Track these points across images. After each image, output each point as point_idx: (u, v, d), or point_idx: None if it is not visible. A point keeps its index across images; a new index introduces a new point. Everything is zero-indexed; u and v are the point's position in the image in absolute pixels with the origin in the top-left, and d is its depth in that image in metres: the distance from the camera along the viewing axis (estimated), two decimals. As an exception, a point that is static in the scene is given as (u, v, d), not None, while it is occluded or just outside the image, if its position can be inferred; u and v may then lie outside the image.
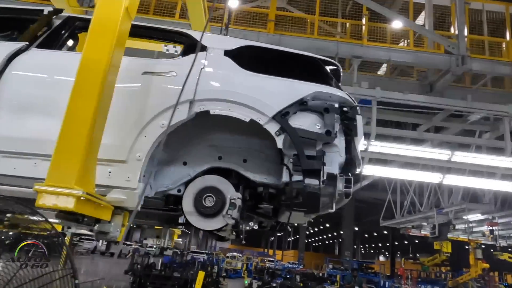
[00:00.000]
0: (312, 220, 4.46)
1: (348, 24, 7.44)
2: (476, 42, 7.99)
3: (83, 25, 3.39)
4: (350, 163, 3.13)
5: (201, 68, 3.02)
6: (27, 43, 3.04)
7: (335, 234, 55.73)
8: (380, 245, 59.58)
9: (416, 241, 42.96)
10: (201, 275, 8.69)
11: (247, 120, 2.82)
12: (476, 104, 7.23)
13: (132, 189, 2.67)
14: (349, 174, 3.13)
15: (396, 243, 43.29)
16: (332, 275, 24.17)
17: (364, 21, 7.06)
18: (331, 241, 66.44)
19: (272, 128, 2.81)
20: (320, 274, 26.27)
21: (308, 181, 2.79)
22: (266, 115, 2.82)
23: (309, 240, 71.04)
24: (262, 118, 2.83)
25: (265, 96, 2.92)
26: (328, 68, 3.62)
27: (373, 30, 7.11)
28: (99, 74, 2.28)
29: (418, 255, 35.56)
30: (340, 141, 3.01)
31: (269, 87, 3.03)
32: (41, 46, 3.10)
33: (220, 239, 4.60)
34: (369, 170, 7.73)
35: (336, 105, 3.08)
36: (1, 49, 2.90)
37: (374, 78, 8.04)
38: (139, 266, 13.17)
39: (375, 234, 48.15)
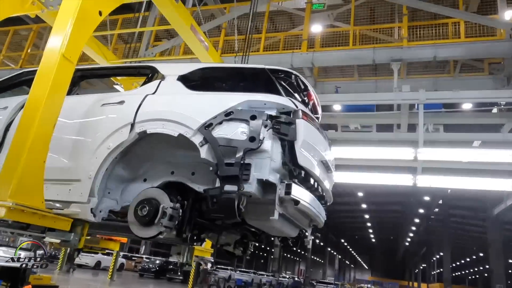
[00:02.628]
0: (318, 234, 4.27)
1: (399, 28, 6.96)
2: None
3: (83, 74, 4.18)
4: (294, 168, 3.07)
5: (146, 95, 3.42)
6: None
7: (483, 265, 47.98)
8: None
9: None
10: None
11: (176, 134, 3.07)
12: None
13: (84, 203, 3.13)
14: (295, 180, 3.09)
15: None
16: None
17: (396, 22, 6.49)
18: (479, 273, 57.39)
19: (197, 139, 3.00)
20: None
21: (228, 187, 2.86)
22: (191, 128, 3.03)
23: (459, 273, 62.64)
24: (188, 132, 3.04)
25: (193, 111, 3.15)
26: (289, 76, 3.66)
27: (417, 29, 6.51)
28: (37, 111, 2.87)
29: None
30: (272, 147, 2.99)
31: (199, 103, 3.25)
32: None
33: (231, 255, 4.78)
34: (422, 181, 6.78)
35: (268, 112, 3.11)
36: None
37: (433, 80, 7.24)
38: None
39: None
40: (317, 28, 7.38)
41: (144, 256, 33.08)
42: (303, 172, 3.09)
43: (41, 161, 2.93)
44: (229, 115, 3.04)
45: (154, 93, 3.51)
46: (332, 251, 59.28)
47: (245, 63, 5.74)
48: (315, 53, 6.80)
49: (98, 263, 24.65)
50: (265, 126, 3.00)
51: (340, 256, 63.65)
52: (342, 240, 58.41)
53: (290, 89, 3.70)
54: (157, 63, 3.84)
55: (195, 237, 3.42)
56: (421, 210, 34.04)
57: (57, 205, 3.19)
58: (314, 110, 4.16)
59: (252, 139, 2.90)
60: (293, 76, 3.69)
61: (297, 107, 3.21)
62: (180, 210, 3.09)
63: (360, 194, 31.70)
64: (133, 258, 31.71)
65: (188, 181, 3.31)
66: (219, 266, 35.47)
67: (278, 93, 3.34)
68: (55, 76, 2.96)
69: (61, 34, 3.08)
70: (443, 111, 7.32)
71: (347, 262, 73.28)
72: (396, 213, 39.94)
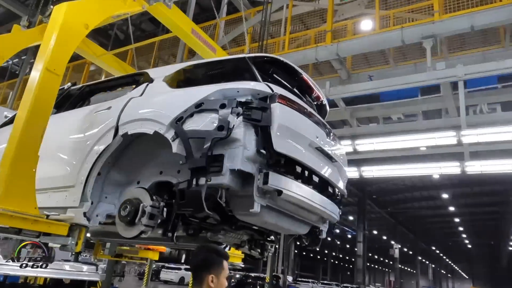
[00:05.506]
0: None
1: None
2: None
3: (90, 89, 4.43)
4: (270, 155, 2.89)
5: (130, 98, 3.49)
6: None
7: None
8: None
9: None
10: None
11: (151, 132, 3.09)
12: None
13: (76, 207, 3.26)
14: (279, 168, 2.91)
15: None
16: None
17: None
18: None
19: (169, 135, 2.98)
20: None
21: (200, 181, 2.78)
22: (164, 124, 3.01)
23: None
24: (162, 128, 3.04)
25: (166, 108, 3.15)
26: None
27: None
28: (22, 122, 3.08)
29: None
30: (245, 134, 2.85)
31: (174, 99, 3.22)
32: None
33: (251, 257, 4.64)
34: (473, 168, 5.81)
35: (242, 99, 2.98)
36: None
37: (481, 54, 6.36)
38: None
39: None
40: (341, 17, 7.04)
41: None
42: (282, 159, 2.88)
43: (31, 169, 3.11)
44: (199, 107, 2.97)
45: (140, 95, 3.58)
46: (424, 260, 55.21)
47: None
48: (340, 43, 6.43)
49: (182, 279, 25.73)
50: (237, 114, 2.86)
51: (433, 265, 58.93)
52: (433, 248, 54.15)
53: (277, 77, 3.53)
54: (150, 69, 3.92)
55: (186, 236, 3.37)
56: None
57: (53, 212, 3.36)
58: (309, 95, 3.92)
59: (220, 128, 2.79)
60: (279, 62, 3.53)
61: (272, 91, 3.03)
62: (165, 209, 3.03)
63: (445, 195, 29.22)
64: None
65: (174, 179, 3.27)
66: (300, 279, 34.98)
67: (255, 79, 3.19)
68: (39, 88, 3.16)
69: (46, 48, 3.30)
70: (500, 86, 6.41)
71: (442, 271, 67.67)
72: (493, 214, 35.99)
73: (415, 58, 7.11)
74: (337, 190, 3.66)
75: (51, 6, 4.84)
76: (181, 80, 3.60)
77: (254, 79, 3.20)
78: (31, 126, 3.11)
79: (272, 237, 4.21)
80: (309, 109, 3.40)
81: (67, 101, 4.37)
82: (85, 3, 3.58)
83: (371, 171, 8.16)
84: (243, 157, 2.77)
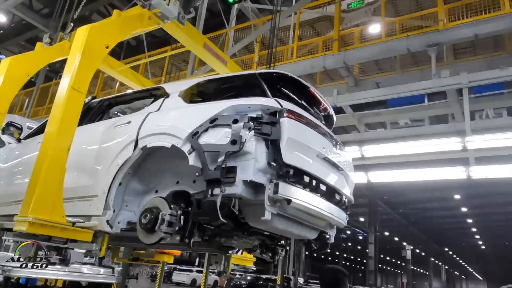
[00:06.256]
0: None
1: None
2: None
3: (110, 102, 4.69)
4: (280, 167, 3.09)
5: (149, 113, 3.73)
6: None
7: None
8: None
9: None
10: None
11: (169, 146, 3.31)
12: None
13: (100, 215, 3.50)
14: (288, 179, 3.10)
15: None
16: None
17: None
18: None
19: (186, 148, 3.20)
20: None
21: (210, 191, 2.98)
22: (181, 138, 3.23)
23: None
24: (179, 142, 3.26)
25: (183, 122, 3.37)
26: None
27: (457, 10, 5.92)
28: (52, 137, 3.34)
29: None
30: (256, 147, 3.05)
31: (190, 114, 3.45)
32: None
33: (262, 261, 4.85)
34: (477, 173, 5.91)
35: (253, 114, 3.18)
36: None
37: (487, 60, 6.46)
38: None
39: None
40: (348, 24, 7.21)
41: (237, 273, 33.98)
42: (291, 170, 3.07)
43: (59, 181, 3.37)
44: (213, 122, 3.18)
45: (158, 110, 3.82)
46: (437, 262, 54.66)
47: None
48: (347, 52, 6.62)
49: (194, 281, 25.95)
50: (249, 129, 3.06)
51: (446, 267, 58.28)
52: (446, 249, 53.58)
53: (285, 91, 3.73)
54: (166, 84, 4.17)
55: (201, 242, 3.58)
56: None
57: (80, 220, 3.61)
58: (316, 107, 4.11)
59: (233, 142, 2.99)
60: (287, 77, 3.72)
61: (281, 106, 3.22)
62: (182, 217, 3.24)
63: (458, 196, 28.97)
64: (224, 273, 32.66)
65: (190, 189, 3.48)
66: (311, 281, 35.01)
67: (265, 95, 3.40)
68: (66, 105, 3.42)
69: (71, 68, 3.57)
70: (506, 92, 6.51)
71: (456, 272, 66.84)
72: (507, 214, 35.50)
73: (423, 64, 7.24)
74: (344, 197, 3.83)
75: (71, 24, 5.14)
76: (196, 95, 3.83)
77: (264, 94, 3.40)
78: (59, 141, 3.38)
79: (283, 241, 4.40)
80: (316, 121, 3.58)
81: (88, 114, 4.63)
82: (106, 25, 3.83)
83: (378, 176, 8.31)
84: (255, 168, 2.97)
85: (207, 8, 9.87)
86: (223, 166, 2.94)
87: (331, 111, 4.26)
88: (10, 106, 5.06)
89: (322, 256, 55.32)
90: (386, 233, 42.06)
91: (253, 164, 2.98)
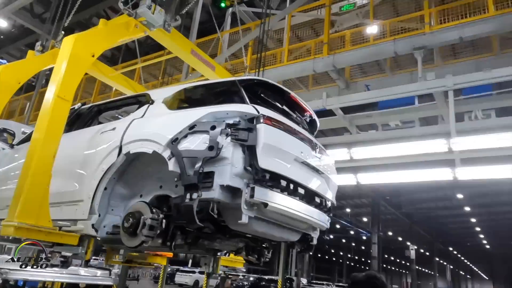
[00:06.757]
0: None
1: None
2: None
3: (99, 108, 4.80)
4: (256, 171, 3.17)
5: (133, 119, 3.84)
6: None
7: None
8: None
9: None
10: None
11: (151, 151, 3.42)
12: None
13: (85, 220, 3.61)
14: (265, 183, 3.18)
15: None
16: None
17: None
18: None
19: (166, 154, 3.30)
20: None
21: (188, 195, 3.08)
22: (161, 144, 3.34)
23: None
24: (160, 148, 3.37)
25: (164, 129, 3.46)
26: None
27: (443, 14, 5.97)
28: (37, 145, 3.46)
29: None
30: (233, 153, 3.14)
31: (171, 120, 3.55)
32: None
33: (249, 262, 4.94)
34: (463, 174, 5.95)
35: (230, 121, 3.28)
36: None
37: (474, 62, 6.51)
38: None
39: None
40: (340, 27, 7.28)
41: (240, 274, 34.08)
42: (268, 175, 3.16)
43: (45, 186, 3.48)
44: (192, 128, 3.28)
45: (142, 116, 3.93)
46: (441, 261, 54.39)
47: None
48: (336, 55, 6.71)
49: (197, 282, 26.03)
50: (226, 135, 3.16)
51: (451, 266, 57.96)
52: (451, 248, 53.31)
53: (265, 97, 3.82)
54: (151, 90, 4.28)
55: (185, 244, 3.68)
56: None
57: (68, 223, 3.73)
58: (299, 112, 4.20)
59: (211, 148, 3.09)
60: (267, 84, 3.82)
61: (258, 112, 3.31)
62: (164, 221, 3.34)
63: (461, 195, 28.84)
64: (229, 276, 32.85)
65: (172, 193, 3.58)
66: (314, 282, 35.01)
67: (243, 101, 3.49)
68: (52, 113, 3.54)
69: (57, 76, 3.68)
70: (494, 93, 6.55)
71: (461, 272, 66.46)
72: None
73: (412, 67, 7.32)
74: (325, 199, 3.91)
75: (63, 32, 5.26)
76: (178, 102, 3.93)
77: (243, 101, 3.50)
78: (45, 147, 3.50)
79: (266, 243, 4.48)
80: (295, 126, 3.67)
81: (78, 120, 4.75)
82: (91, 34, 3.95)
83: (368, 178, 8.38)
84: (232, 173, 3.07)
85: (205, 10, 9.99)
86: (201, 171, 3.05)
87: (314, 116, 4.35)
88: (10, 110, 5.20)
89: (326, 257, 55.31)
90: (390, 233, 41.95)
91: (229, 169, 3.08)
